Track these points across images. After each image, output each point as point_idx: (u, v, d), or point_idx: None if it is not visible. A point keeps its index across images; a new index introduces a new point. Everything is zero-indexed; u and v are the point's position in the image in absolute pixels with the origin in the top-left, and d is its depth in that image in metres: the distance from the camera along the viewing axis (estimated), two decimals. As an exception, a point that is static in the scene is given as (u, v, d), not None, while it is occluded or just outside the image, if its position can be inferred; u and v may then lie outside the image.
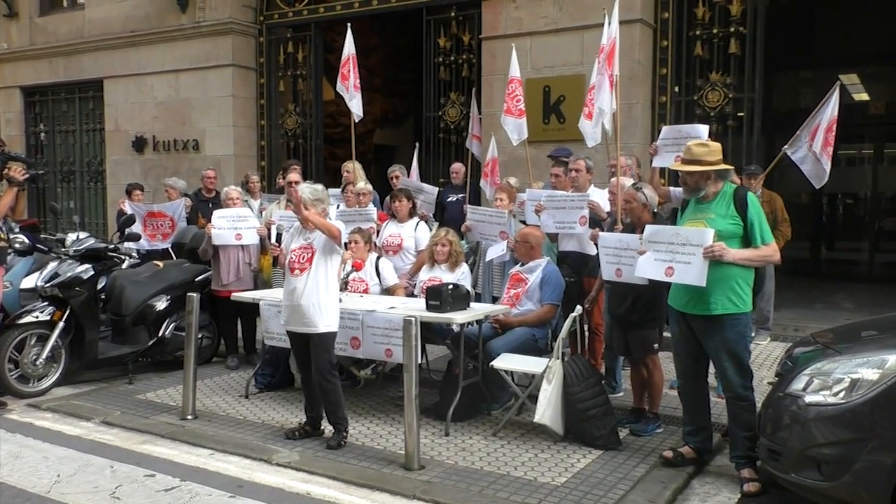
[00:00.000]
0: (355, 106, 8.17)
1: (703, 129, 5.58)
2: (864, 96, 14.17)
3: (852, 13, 11.94)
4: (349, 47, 8.17)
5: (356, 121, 8.33)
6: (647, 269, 4.63)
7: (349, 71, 8.14)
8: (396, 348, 5.37)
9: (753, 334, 7.97)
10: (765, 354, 7.47)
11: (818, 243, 14.12)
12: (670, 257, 4.47)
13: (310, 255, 5.06)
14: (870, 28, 11.80)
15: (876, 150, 14.42)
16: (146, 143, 12.30)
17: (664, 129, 5.87)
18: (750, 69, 8.46)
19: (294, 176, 7.42)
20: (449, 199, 8.43)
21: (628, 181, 5.73)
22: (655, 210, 5.36)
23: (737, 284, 4.40)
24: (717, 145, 4.57)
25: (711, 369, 4.93)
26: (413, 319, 4.83)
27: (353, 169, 8.06)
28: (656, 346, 5.27)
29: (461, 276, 6.31)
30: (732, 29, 8.49)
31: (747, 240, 4.40)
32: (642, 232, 5.08)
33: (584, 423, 5.10)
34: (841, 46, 12.57)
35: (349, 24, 8.33)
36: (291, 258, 5.14)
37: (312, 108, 11.65)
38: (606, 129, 6.60)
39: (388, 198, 7.52)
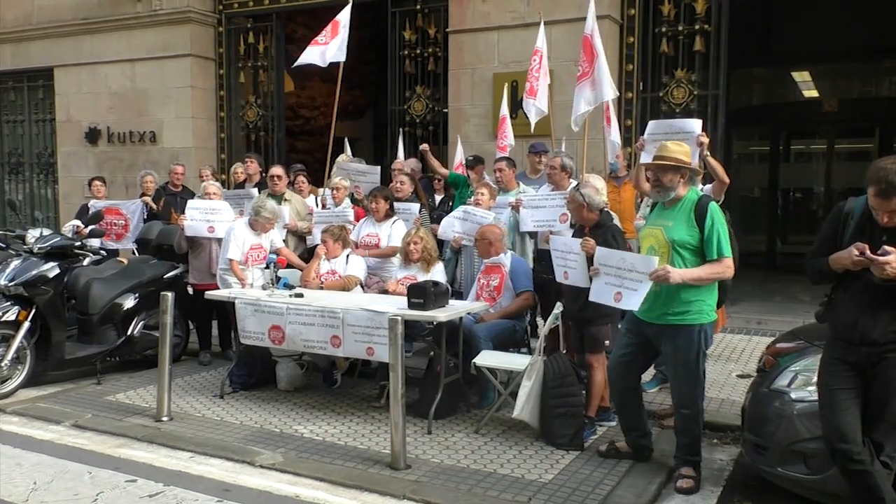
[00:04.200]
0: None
1: (696, 124, 5.37)
2: (814, 93, 14.57)
3: (806, 12, 12.23)
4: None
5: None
6: (600, 293, 4.63)
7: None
8: (378, 347, 5.35)
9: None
10: (731, 347, 7.64)
11: (773, 237, 14.47)
12: (619, 282, 4.44)
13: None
14: (822, 27, 12.12)
15: (829, 146, 14.88)
16: (100, 135, 11.94)
17: (651, 123, 5.71)
18: (714, 66, 8.61)
19: (276, 170, 7.41)
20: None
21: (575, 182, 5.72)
22: (603, 208, 5.30)
23: (692, 296, 4.32)
24: (688, 148, 4.53)
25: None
26: (398, 319, 4.81)
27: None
28: (607, 342, 5.23)
29: (436, 274, 6.30)
30: (697, 26, 8.62)
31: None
32: (589, 232, 5.12)
33: (551, 419, 5.11)
34: (794, 44, 12.88)
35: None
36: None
37: (273, 100, 11.46)
38: (575, 125, 6.70)
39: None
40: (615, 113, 7.28)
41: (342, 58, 7.88)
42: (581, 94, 6.55)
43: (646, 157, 5.38)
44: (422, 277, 6.15)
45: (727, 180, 5.29)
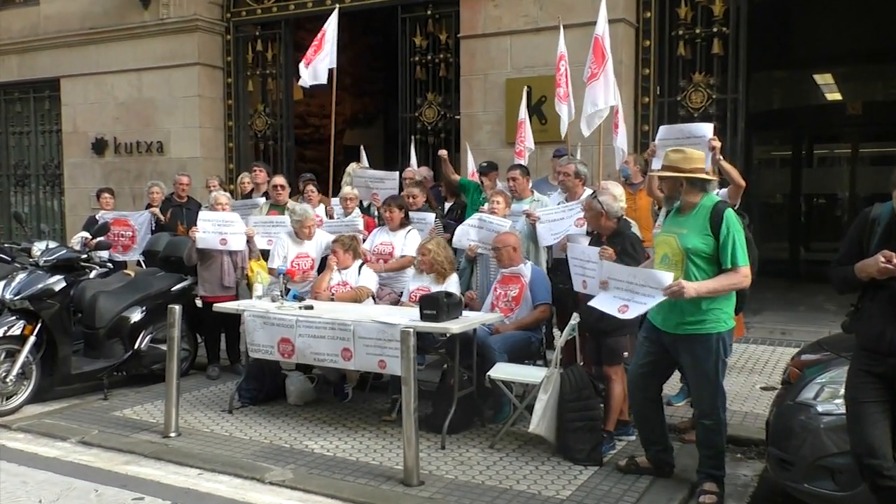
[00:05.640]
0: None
1: (707, 128, 5.20)
2: (837, 96, 14.31)
3: (827, 13, 12.03)
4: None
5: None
6: (604, 303, 4.52)
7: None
8: (390, 359, 5.23)
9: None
10: (754, 358, 7.47)
11: (796, 244, 14.20)
12: (629, 296, 4.33)
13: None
14: (844, 28, 11.90)
15: (853, 150, 14.62)
16: (107, 145, 11.89)
17: (662, 128, 5.57)
18: (733, 70, 8.46)
19: (278, 179, 7.31)
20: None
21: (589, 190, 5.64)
22: (622, 216, 5.21)
23: (708, 305, 4.20)
24: (697, 154, 4.35)
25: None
26: (410, 331, 4.69)
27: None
28: (626, 354, 5.12)
29: (450, 285, 6.17)
30: (715, 29, 8.48)
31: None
32: (607, 240, 5.02)
33: (569, 434, 4.99)
34: (815, 46, 12.67)
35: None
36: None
37: (282, 109, 11.39)
38: (586, 128, 6.60)
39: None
40: (623, 118, 7.15)
41: (332, 64, 8.04)
42: (591, 95, 6.46)
43: (657, 164, 5.25)
44: (435, 289, 6.02)
45: (743, 183, 5.16)
